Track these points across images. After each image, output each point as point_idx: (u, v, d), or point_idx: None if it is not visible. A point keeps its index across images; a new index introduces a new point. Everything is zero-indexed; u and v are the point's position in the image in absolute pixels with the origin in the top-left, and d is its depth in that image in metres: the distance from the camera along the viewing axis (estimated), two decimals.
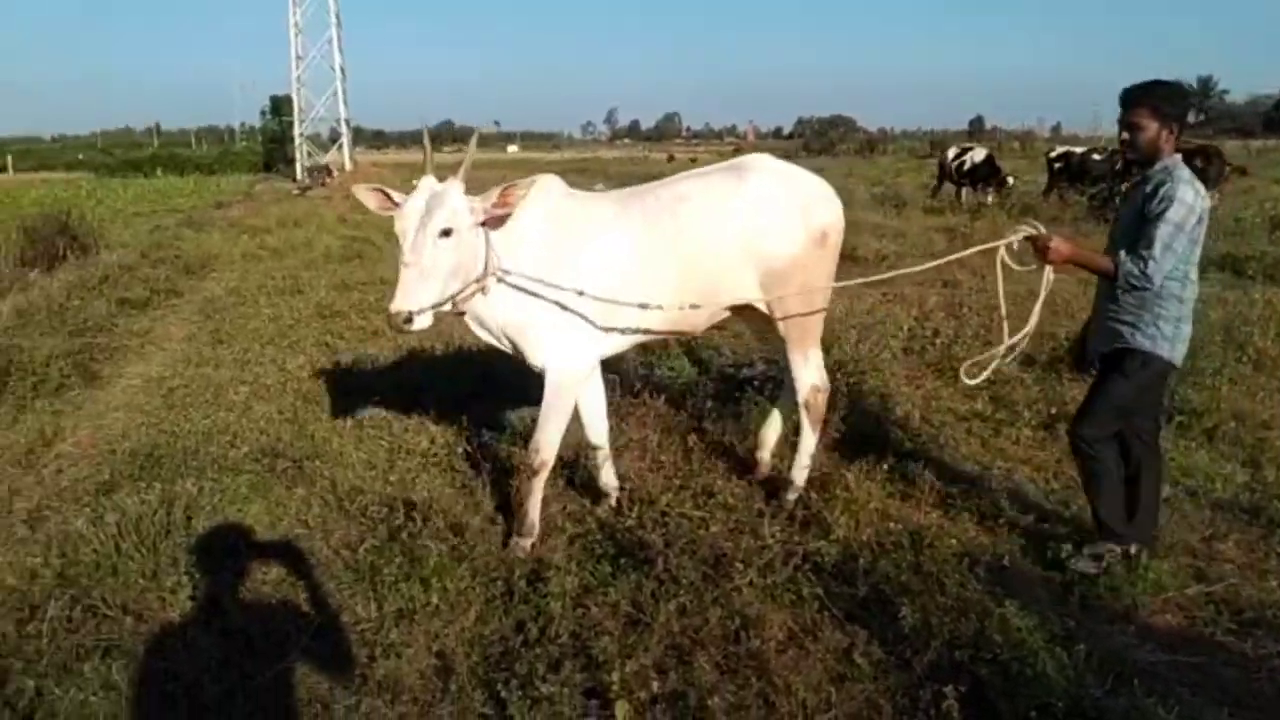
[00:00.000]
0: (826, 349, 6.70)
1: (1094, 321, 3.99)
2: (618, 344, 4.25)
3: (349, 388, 6.53)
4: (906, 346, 6.92)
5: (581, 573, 3.78)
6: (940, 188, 21.05)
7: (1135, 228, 3.64)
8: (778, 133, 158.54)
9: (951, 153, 21.27)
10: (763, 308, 4.41)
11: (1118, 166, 17.37)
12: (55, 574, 3.87)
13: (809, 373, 4.59)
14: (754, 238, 4.21)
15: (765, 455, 4.92)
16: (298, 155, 41.12)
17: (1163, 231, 3.51)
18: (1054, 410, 5.67)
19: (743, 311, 4.53)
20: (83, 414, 6.49)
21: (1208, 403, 5.69)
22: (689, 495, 4.55)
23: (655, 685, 3.05)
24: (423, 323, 3.59)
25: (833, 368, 6.36)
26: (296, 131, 41.62)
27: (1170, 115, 3.64)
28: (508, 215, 3.85)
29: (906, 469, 4.77)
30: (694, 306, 4.18)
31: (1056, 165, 19.81)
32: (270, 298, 10.47)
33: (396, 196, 3.77)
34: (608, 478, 4.60)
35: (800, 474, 4.63)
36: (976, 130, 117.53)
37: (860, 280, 5.05)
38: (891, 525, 4.13)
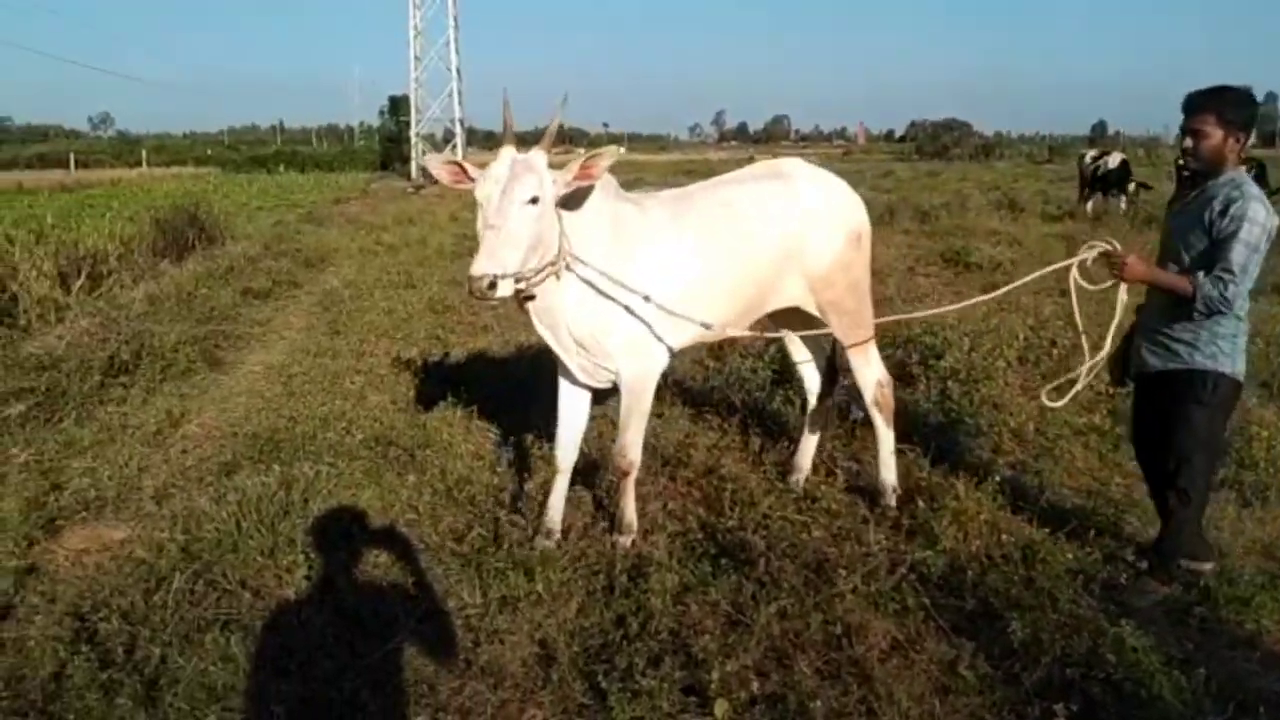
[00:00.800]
0: (938, 356, 6.59)
1: (1140, 336, 3.80)
2: (678, 346, 4.19)
3: (459, 380, 6.68)
4: (1021, 356, 6.72)
5: (682, 571, 3.78)
6: (1083, 192, 20.33)
7: (1201, 245, 3.51)
8: (889, 135, 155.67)
9: (1089, 156, 20.56)
10: (812, 311, 4.41)
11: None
12: (180, 548, 4.05)
13: (871, 370, 4.58)
14: (801, 241, 4.24)
15: (800, 478, 4.81)
16: (413, 154, 42.20)
17: (1238, 254, 3.38)
18: None
19: (788, 321, 4.60)
20: (207, 398, 6.79)
21: None
22: (791, 499, 4.53)
23: (755, 686, 3.05)
24: (505, 290, 3.44)
25: (945, 374, 6.25)
26: (413, 131, 42.78)
27: (1236, 123, 3.49)
28: (589, 189, 3.77)
29: (1019, 481, 4.64)
30: (746, 309, 4.22)
31: (1184, 174, 18.97)
32: (385, 291, 10.78)
33: (472, 171, 3.68)
34: (555, 512, 4.23)
35: (891, 474, 4.60)
36: (1098, 136, 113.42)
37: (933, 311, 4.98)
38: (1002, 538, 4.02)
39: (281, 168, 55.33)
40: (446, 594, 3.75)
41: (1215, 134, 3.48)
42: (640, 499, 4.42)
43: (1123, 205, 18.66)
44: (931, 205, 18.62)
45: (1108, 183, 19.39)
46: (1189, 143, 3.56)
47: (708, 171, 4.49)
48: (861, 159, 70.37)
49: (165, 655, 3.30)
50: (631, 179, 38.39)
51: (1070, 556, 3.83)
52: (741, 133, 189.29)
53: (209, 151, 74.82)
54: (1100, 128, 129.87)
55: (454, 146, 41.47)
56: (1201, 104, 3.52)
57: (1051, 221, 17.34)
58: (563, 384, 4.29)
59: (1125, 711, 2.88)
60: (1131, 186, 18.87)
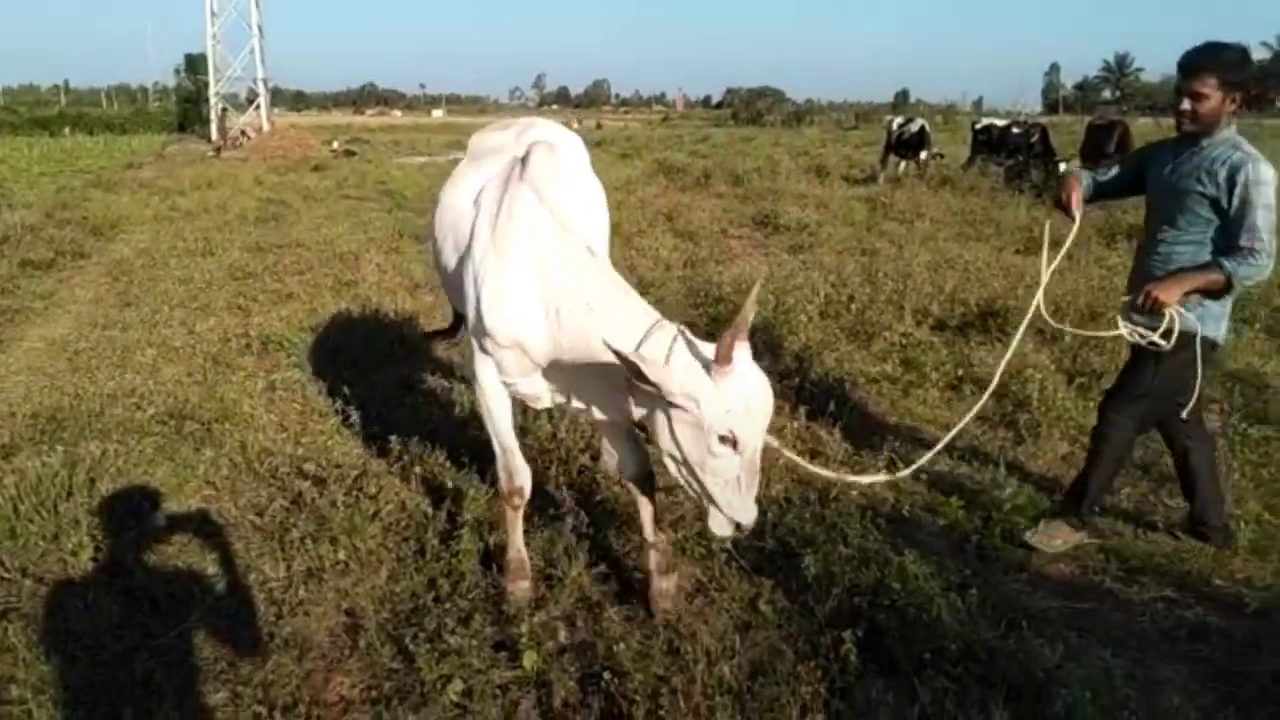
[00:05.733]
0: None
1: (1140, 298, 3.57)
2: None
3: (261, 349, 6.43)
4: (823, 311, 7.03)
5: (495, 531, 3.79)
6: (885, 156, 21.28)
7: (1202, 208, 3.42)
8: (706, 101, 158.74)
9: (896, 122, 21.56)
10: None
11: (1033, 139, 17.81)
12: None
13: None
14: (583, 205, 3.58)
15: (608, 460, 4.48)
16: (213, 115, 39.78)
17: (1264, 219, 3.29)
18: (961, 372, 5.83)
19: None
20: None
21: (1107, 365, 5.88)
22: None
23: (563, 635, 3.10)
24: None
25: (752, 329, 6.45)
26: (212, 91, 40.21)
27: (1235, 83, 3.34)
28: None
29: (817, 428, 4.86)
30: None
31: (980, 137, 20.23)
32: (181, 260, 10.19)
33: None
34: (520, 551, 3.58)
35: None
36: (901, 103, 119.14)
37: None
38: (800, 480, 4.22)
39: (67, 130, 51.07)
40: (247, 568, 3.62)
41: (1215, 96, 3.34)
42: (457, 465, 4.38)
43: (914, 168, 19.73)
44: (745, 170, 19.08)
45: (908, 147, 20.46)
46: (1187, 105, 3.38)
47: None
48: (680, 124, 71.45)
49: None
50: (450, 141, 37.45)
51: (859, 495, 4.06)
52: (562, 97, 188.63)
53: None
54: (903, 95, 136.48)
55: (257, 107, 39.34)
56: (1203, 65, 3.34)
57: (855, 185, 18.11)
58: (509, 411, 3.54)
59: (908, 634, 3.08)
60: (924, 155, 19.92)
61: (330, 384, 5.55)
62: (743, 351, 2.73)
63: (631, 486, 3.48)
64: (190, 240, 11.38)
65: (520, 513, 3.51)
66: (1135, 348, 3.68)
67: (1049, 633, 3.19)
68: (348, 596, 3.42)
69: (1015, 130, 19.20)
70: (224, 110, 39.60)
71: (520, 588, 3.41)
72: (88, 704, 2.90)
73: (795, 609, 3.29)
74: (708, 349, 2.74)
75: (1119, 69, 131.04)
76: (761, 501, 3.98)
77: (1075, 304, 6.95)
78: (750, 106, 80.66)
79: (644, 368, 2.63)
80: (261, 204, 15.10)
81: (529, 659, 2.96)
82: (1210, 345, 3.59)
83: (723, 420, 2.66)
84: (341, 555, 3.58)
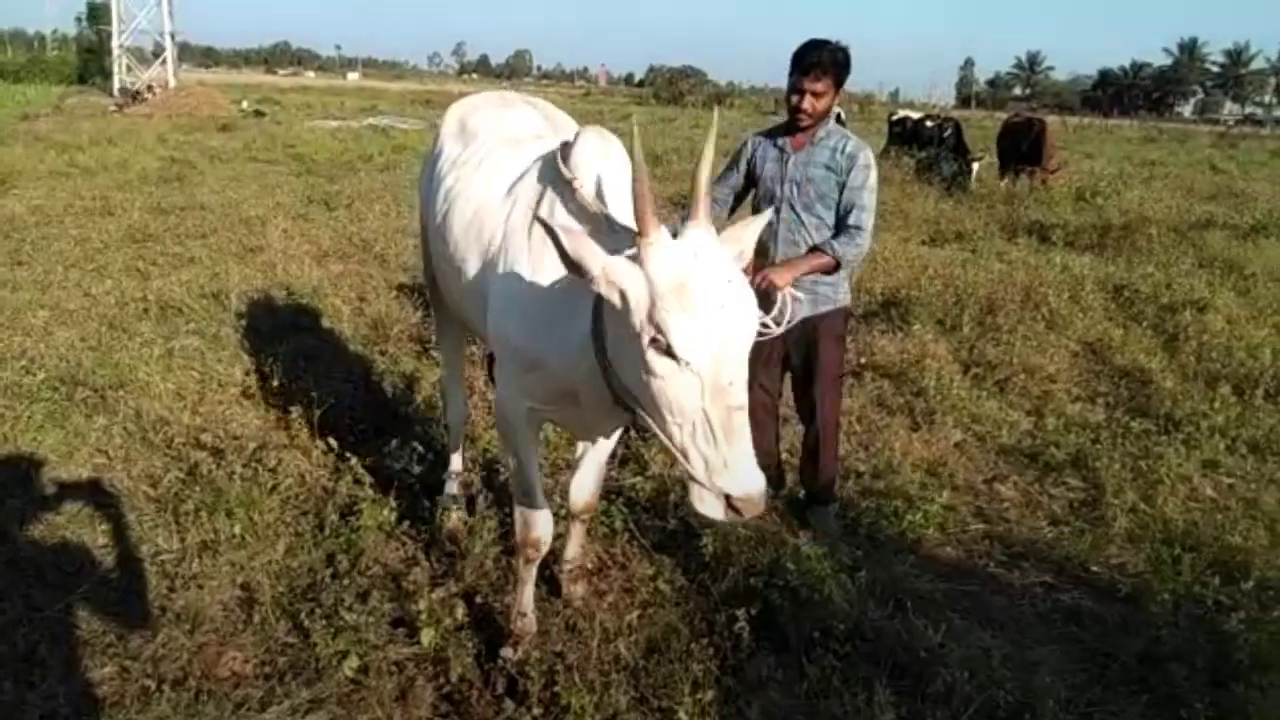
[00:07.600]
0: None
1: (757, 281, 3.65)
2: None
3: (160, 316, 6.25)
4: None
5: (398, 505, 3.77)
6: None
7: (829, 190, 3.66)
8: (629, 79, 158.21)
9: None
10: None
11: (946, 134, 18.16)
12: None
13: None
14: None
15: None
16: (115, 68, 38.14)
17: (870, 201, 3.63)
18: (863, 360, 5.99)
19: None
20: None
21: (1002, 356, 6.11)
22: None
23: (461, 612, 3.11)
24: None
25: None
26: (115, 43, 38.56)
27: (843, 82, 3.68)
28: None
29: None
30: None
31: (895, 129, 20.58)
32: (78, 219, 9.78)
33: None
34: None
35: None
36: None
37: None
38: None
39: None
40: (139, 540, 3.55)
41: (830, 94, 3.64)
42: (360, 438, 4.33)
43: None
44: (664, 149, 19.11)
45: None
46: (808, 102, 3.62)
47: (448, 103, 4.23)
48: (602, 100, 70.94)
49: None
50: (365, 106, 36.59)
51: None
52: (483, 66, 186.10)
53: None
54: None
55: (163, 61, 37.86)
56: (824, 66, 3.58)
57: None
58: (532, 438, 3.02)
59: (799, 613, 3.17)
60: None
61: (231, 353, 5.44)
62: (694, 228, 2.09)
63: (575, 519, 3.37)
64: (88, 198, 10.94)
65: (534, 566, 3.08)
66: (810, 343, 3.88)
67: (933, 614, 3.31)
68: (243, 570, 3.37)
69: (929, 124, 19.56)
70: (140, 65, 37.96)
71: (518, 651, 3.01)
72: None
73: (693, 588, 3.36)
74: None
75: (1030, 67, 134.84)
76: (665, 480, 4.08)
77: (975, 295, 7.17)
78: (672, 86, 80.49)
79: (562, 238, 2.05)
80: (165, 163, 14.60)
81: (426, 636, 2.96)
82: (849, 314, 4.02)
83: (650, 312, 1.99)
84: (238, 528, 3.52)
